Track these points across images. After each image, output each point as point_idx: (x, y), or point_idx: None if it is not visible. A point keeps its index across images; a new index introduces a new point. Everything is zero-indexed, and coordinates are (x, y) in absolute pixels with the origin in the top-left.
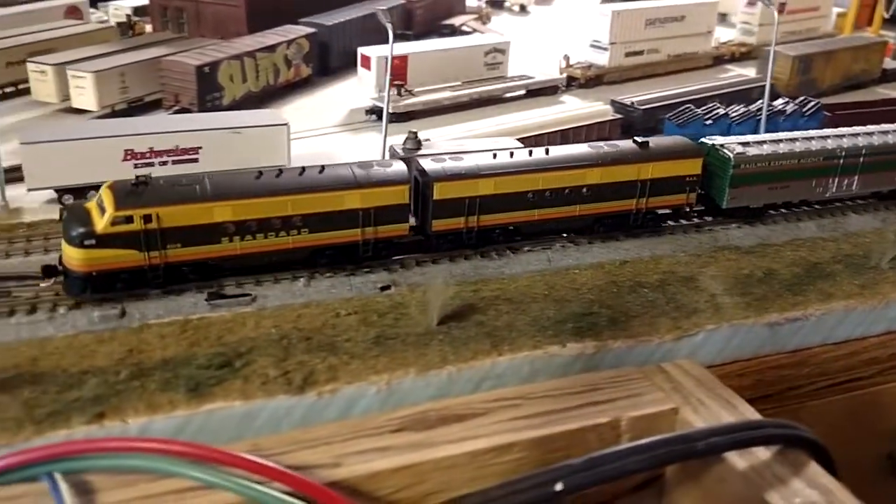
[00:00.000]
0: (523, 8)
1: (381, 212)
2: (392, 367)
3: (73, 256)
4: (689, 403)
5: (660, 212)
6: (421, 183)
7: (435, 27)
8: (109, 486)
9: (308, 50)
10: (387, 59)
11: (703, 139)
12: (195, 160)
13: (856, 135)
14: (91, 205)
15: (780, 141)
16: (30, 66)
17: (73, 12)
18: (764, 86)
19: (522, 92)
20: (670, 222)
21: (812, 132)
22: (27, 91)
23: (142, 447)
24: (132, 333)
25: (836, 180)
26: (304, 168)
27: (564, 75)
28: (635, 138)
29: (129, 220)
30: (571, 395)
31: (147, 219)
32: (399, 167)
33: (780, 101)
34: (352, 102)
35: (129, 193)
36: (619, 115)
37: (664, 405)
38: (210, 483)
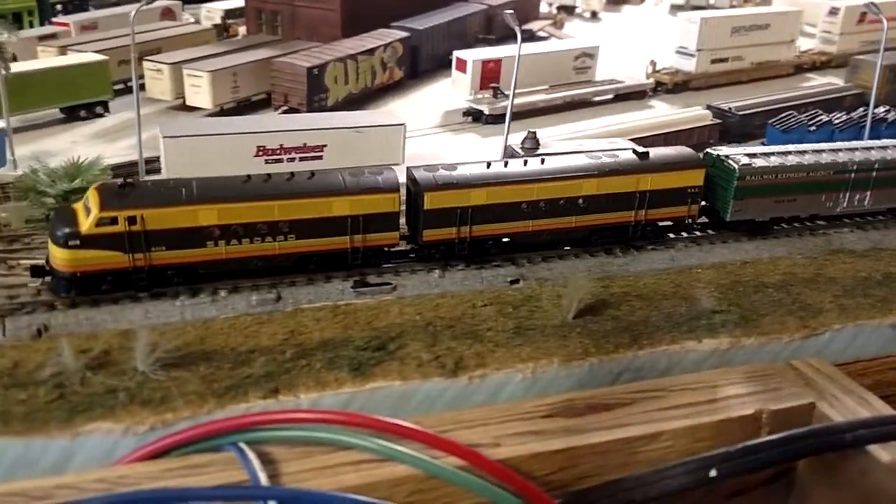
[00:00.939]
0: (594, 14)
1: (370, 219)
2: (536, 357)
3: (58, 256)
4: (824, 399)
5: (661, 224)
6: (412, 192)
7: (513, 32)
8: (288, 456)
9: (401, 53)
10: (483, 62)
11: (708, 150)
12: (320, 157)
13: (869, 148)
14: (78, 205)
15: (789, 153)
16: (146, 65)
17: (167, 14)
18: (856, 93)
19: (611, 96)
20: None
21: (823, 145)
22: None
23: (328, 419)
24: (289, 317)
25: (847, 195)
26: (293, 173)
27: (652, 80)
28: (635, 148)
29: (114, 221)
30: (711, 388)
31: (131, 221)
32: (390, 175)
33: (881, 108)
34: (445, 104)
35: (115, 195)
36: (717, 120)
37: (802, 399)
38: (389, 455)
